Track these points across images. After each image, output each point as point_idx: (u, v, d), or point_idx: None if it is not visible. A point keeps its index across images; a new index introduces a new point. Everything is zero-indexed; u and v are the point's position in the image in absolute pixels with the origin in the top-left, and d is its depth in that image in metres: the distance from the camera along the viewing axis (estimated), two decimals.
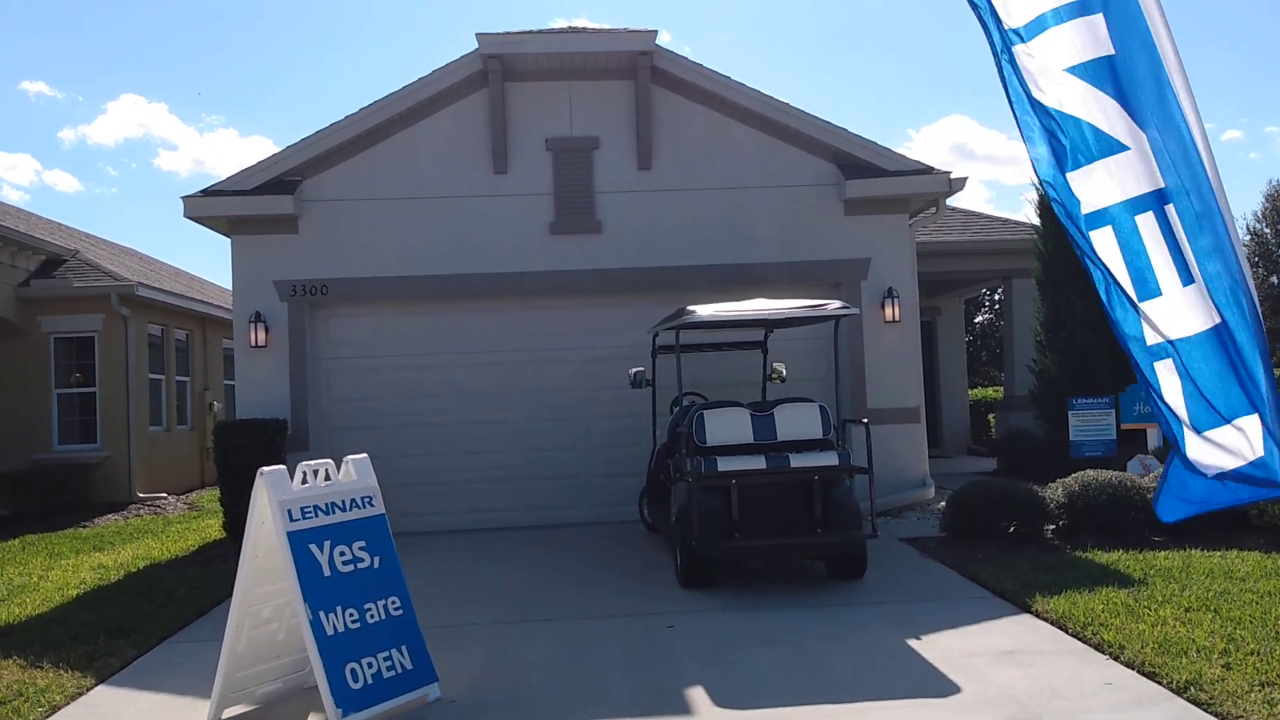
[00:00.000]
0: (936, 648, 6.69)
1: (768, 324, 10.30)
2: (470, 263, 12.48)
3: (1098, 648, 6.46)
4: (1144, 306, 6.36)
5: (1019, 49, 6.66)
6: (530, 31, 12.27)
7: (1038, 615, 7.35)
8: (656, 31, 12.09)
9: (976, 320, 38.07)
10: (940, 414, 21.00)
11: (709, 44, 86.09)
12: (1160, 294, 6.31)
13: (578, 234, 12.59)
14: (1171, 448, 6.57)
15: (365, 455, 6.40)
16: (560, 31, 12.29)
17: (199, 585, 9.58)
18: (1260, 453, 6.03)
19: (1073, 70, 6.49)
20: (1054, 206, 6.61)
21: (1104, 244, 6.49)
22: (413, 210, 12.53)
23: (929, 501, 12.69)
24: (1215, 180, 6.23)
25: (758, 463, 8.49)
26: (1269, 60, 71.47)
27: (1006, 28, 6.67)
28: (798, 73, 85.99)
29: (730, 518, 8.46)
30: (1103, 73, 6.43)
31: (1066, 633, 6.88)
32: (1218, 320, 6.12)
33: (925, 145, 77.45)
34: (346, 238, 12.47)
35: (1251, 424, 6.02)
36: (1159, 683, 5.73)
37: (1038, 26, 6.59)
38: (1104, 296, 6.60)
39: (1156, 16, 6.33)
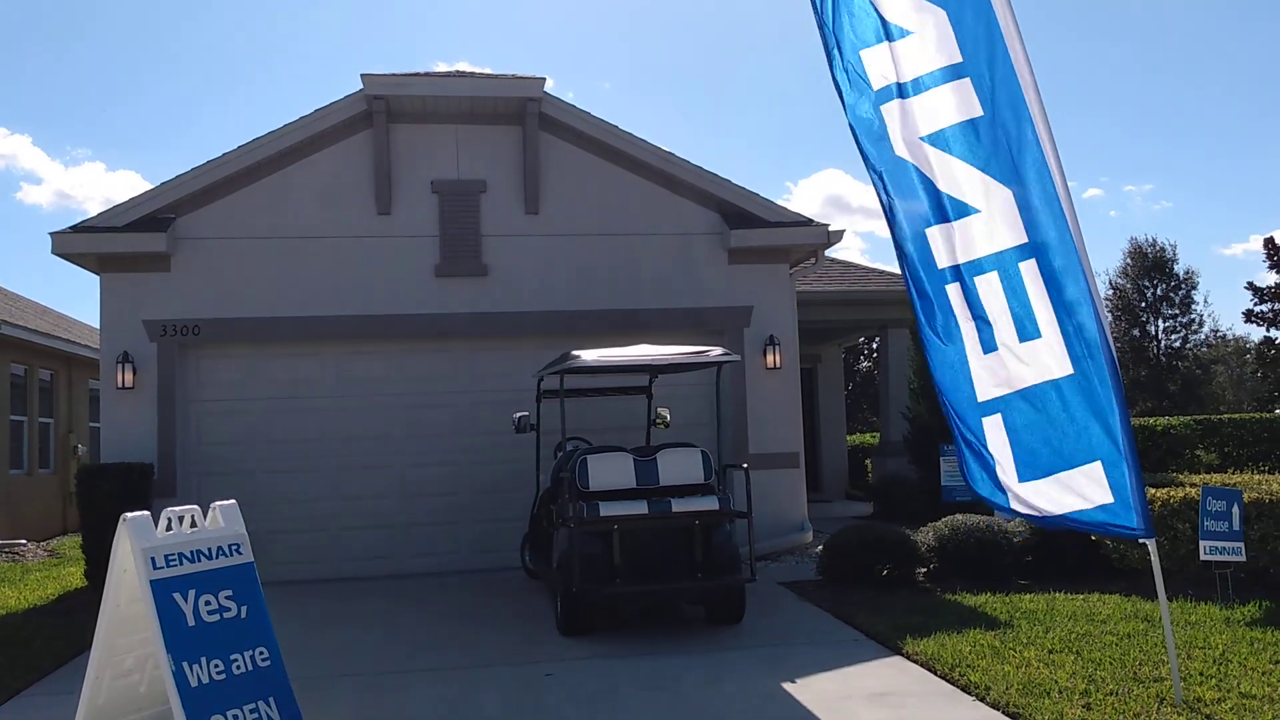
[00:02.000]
0: (811, 691, 6.77)
1: (651, 369, 10.39)
2: (352, 304, 12.31)
3: (965, 689, 6.63)
4: (987, 359, 6.67)
5: (884, 109, 6.93)
6: (416, 74, 12.27)
7: (908, 657, 7.52)
8: (544, 79, 12.21)
9: (858, 368, 39.03)
10: (820, 459, 21.41)
11: (592, 90, 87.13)
12: (996, 349, 6.62)
13: (463, 277, 12.53)
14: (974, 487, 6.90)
15: (233, 501, 6.22)
16: (447, 75, 12.31)
17: (57, 635, 9.14)
18: (1109, 499, 6.33)
19: (929, 138, 6.79)
20: (906, 261, 6.89)
21: (955, 299, 6.78)
22: (293, 250, 12.31)
23: (808, 545, 12.89)
24: (1077, 235, 6.56)
25: (640, 507, 8.51)
26: (1128, 122, 75.55)
27: (874, 89, 6.94)
28: (681, 122, 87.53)
29: (612, 563, 8.46)
30: (963, 136, 6.73)
31: (935, 674, 7.04)
32: (1069, 371, 6.42)
33: (803, 197, 79.46)
34: (222, 277, 12.18)
35: (1095, 471, 6.31)
36: None
37: (898, 91, 6.88)
38: (931, 353, 6.90)
39: (1026, 74, 6.66)
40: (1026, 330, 6.42)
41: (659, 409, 11.47)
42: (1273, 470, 21.12)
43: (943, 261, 6.63)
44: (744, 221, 12.94)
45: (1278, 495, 9.62)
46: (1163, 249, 38.02)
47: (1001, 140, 6.51)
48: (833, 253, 16.69)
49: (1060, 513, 6.43)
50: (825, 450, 21.64)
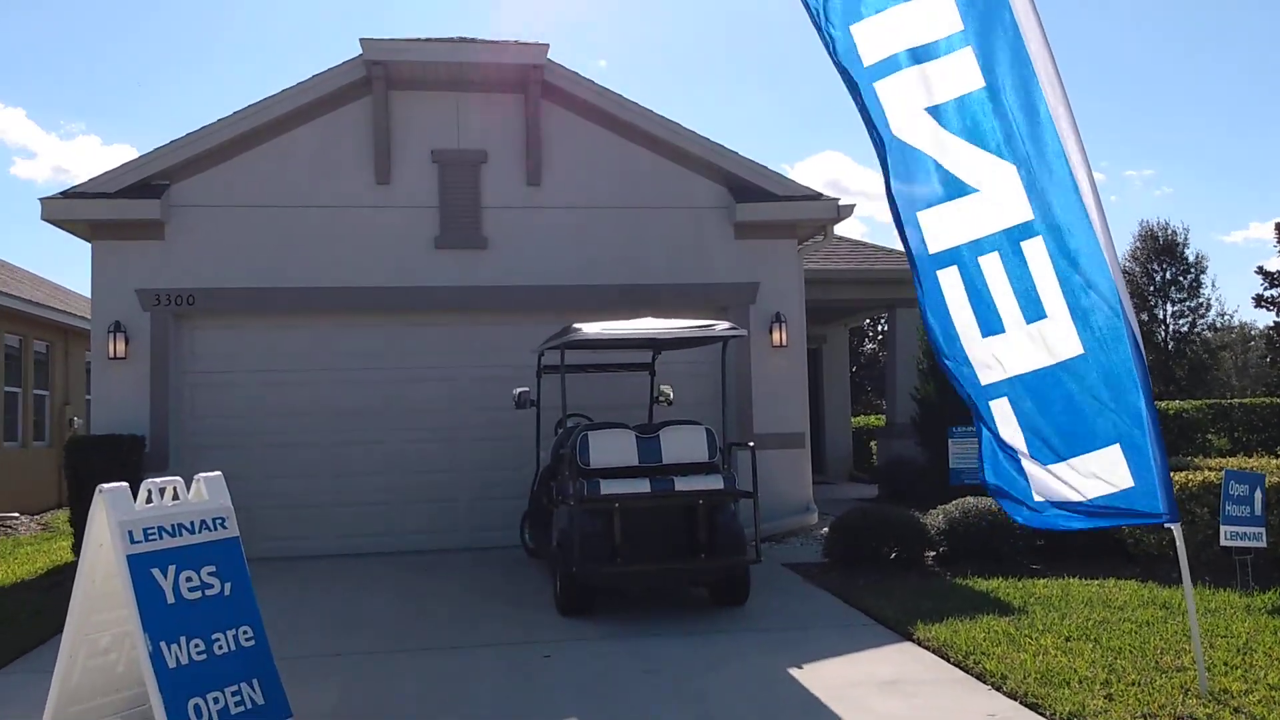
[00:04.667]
0: (819, 677, 6.51)
1: (655, 344, 10.10)
2: (349, 276, 12.01)
3: (980, 677, 6.36)
4: (986, 343, 6.39)
5: (879, 85, 6.62)
6: (416, 39, 11.91)
7: (920, 643, 7.25)
8: (546, 45, 11.86)
9: (862, 350, 38.71)
10: (824, 440, 21.14)
11: (587, 68, 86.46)
12: (1003, 331, 6.33)
13: (463, 249, 12.23)
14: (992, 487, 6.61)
15: (219, 473, 5.95)
16: (448, 40, 11.95)
17: (43, 611, 8.88)
18: (1130, 482, 6.03)
19: (932, 110, 6.47)
20: (906, 242, 6.62)
21: (949, 283, 6.50)
22: (289, 219, 12.01)
23: (813, 527, 12.63)
24: (1095, 210, 6.23)
25: (642, 486, 8.25)
26: (1128, 107, 74.94)
27: (865, 65, 6.64)
28: (678, 102, 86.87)
29: (613, 542, 8.20)
30: (963, 111, 6.41)
31: (949, 661, 6.77)
32: (1078, 351, 6.12)
33: (801, 179, 79.02)
34: (217, 246, 11.88)
35: (1114, 454, 6.02)
36: (1042, 714, 5.63)
37: (893, 65, 6.58)
38: (935, 338, 6.63)
39: (1037, 46, 6.32)
40: (1030, 312, 6.15)
41: (662, 386, 11.19)
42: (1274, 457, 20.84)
43: (941, 243, 6.38)
44: (751, 195, 12.62)
45: None
46: (1174, 232, 37.55)
47: (1005, 114, 6.21)
48: (841, 231, 16.38)
49: (1083, 499, 6.15)
50: (830, 432, 21.37)
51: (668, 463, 8.58)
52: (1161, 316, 37.51)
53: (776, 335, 12.58)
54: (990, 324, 6.37)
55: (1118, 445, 6.06)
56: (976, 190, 6.37)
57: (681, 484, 8.29)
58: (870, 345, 39.61)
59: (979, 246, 6.36)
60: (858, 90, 6.56)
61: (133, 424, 11.56)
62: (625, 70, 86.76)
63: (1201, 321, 37.83)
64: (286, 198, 12.04)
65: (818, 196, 12.69)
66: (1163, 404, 17.94)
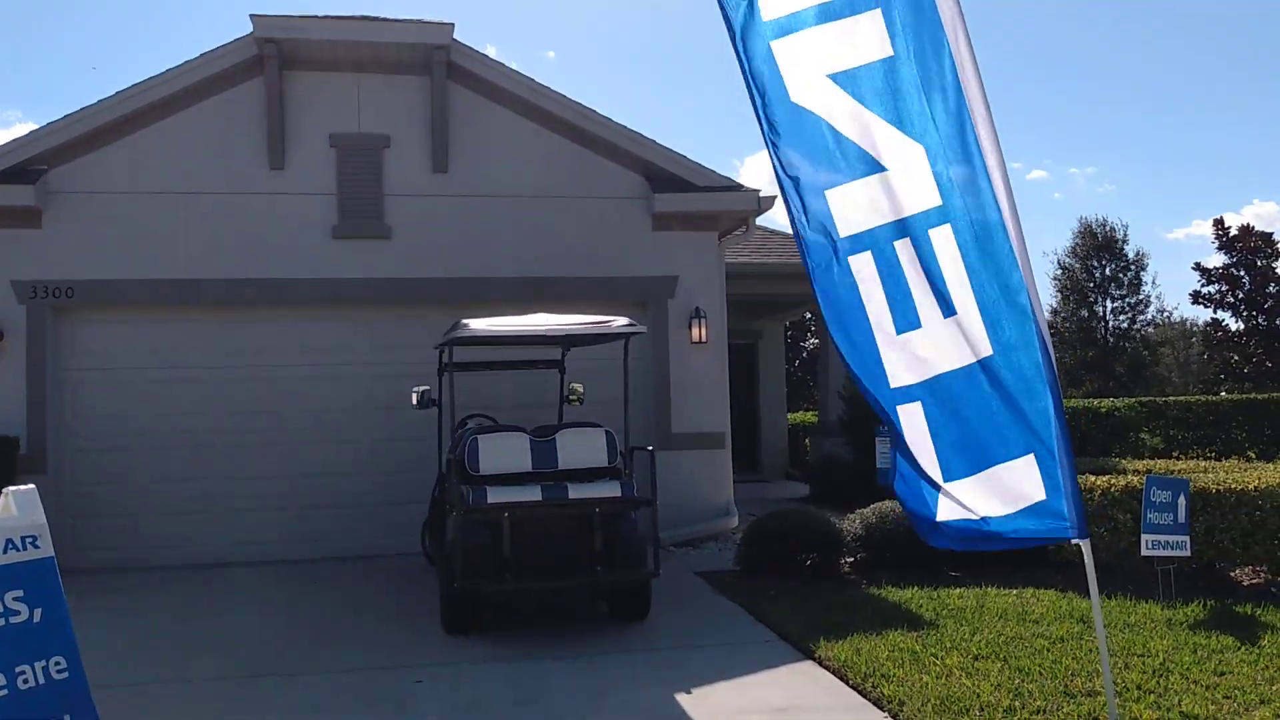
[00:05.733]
0: (706, 705, 6.00)
1: (549, 341, 9.47)
2: (241, 267, 11.31)
3: (877, 703, 5.89)
4: (902, 340, 5.81)
5: (777, 45, 6.02)
6: (313, 16, 11.23)
7: (820, 663, 6.77)
8: (452, 25, 11.24)
9: (804, 345, 38.41)
10: (760, 438, 20.69)
11: (535, 59, 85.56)
12: (920, 326, 5.76)
13: (364, 239, 11.58)
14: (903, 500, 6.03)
15: (32, 487, 5.25)
16: (346, 18, 11.28)
17: None
18: (1041, 495, 5.56)
19: (836, 77, 5.88)
20: (799, 227, 5.96)
21: (863, 272, 5.91)
22: (177, 206, 11.28)
23: (733, 530, 12.15)
24: (1006, 201, 5.71)
25: (533, 493, 7.69)
26: (1072, 103, 75.54)
27: (764, 19, 6.02)
28: (628, 95, 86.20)
29: (501, 555, 7.63)
30: (872, 80, 5.83)
31: (847, 684, 6.30)
32: (987, 353, 5.59)
33: (751, 173, 78.83)
34: (99, 235, 11.13)
35: (1026, 465, 5.53)
36: None
37: (797, 23, 5.97)
38: (837, 335, 6.01)
39: (952, 12, 5.78)
40: (943, 307, 5.57)
41: (573, 384, 10.63)
42: (1218, 455, 20.74)
43: (848, 228, 5.73)
44: (670, 185, 12.09)
45: (1225, 485, 9.00)
46: (1112, 229, 37.69)
47: (916, 86, 5.60)
48: (776, 224, 15.92)
49: (992, 515, 5.64)
50: (765, 429, 20.91)
51: (564, 468, 8.04)
52: (1101, 313, 37.60)
53: (696, 331, 12.08)
54: (907, 319, 5.80)
55: (1031, 455, 5.57)
56: (886, 169, 5.79)
57: (576, 491, 7.75)
58: (814, 340, 39.34)
59: (892, 231, 5.75)
60: (745, 46, 5.89)
61: (8, 425, 10.80)
62: (575, 62, 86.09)
63: (1141, 318, 38.01)
64: (175, 184, 11.32)
65: (738, 187, 12.20)
66: (1095, 402, 17.72)
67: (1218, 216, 34.28)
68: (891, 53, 5.65)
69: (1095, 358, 37.64)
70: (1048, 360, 5.46)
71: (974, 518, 5.64)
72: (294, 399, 11.57)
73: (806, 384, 37.55)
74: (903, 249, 5.66)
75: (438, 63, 11.46)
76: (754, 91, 5.79)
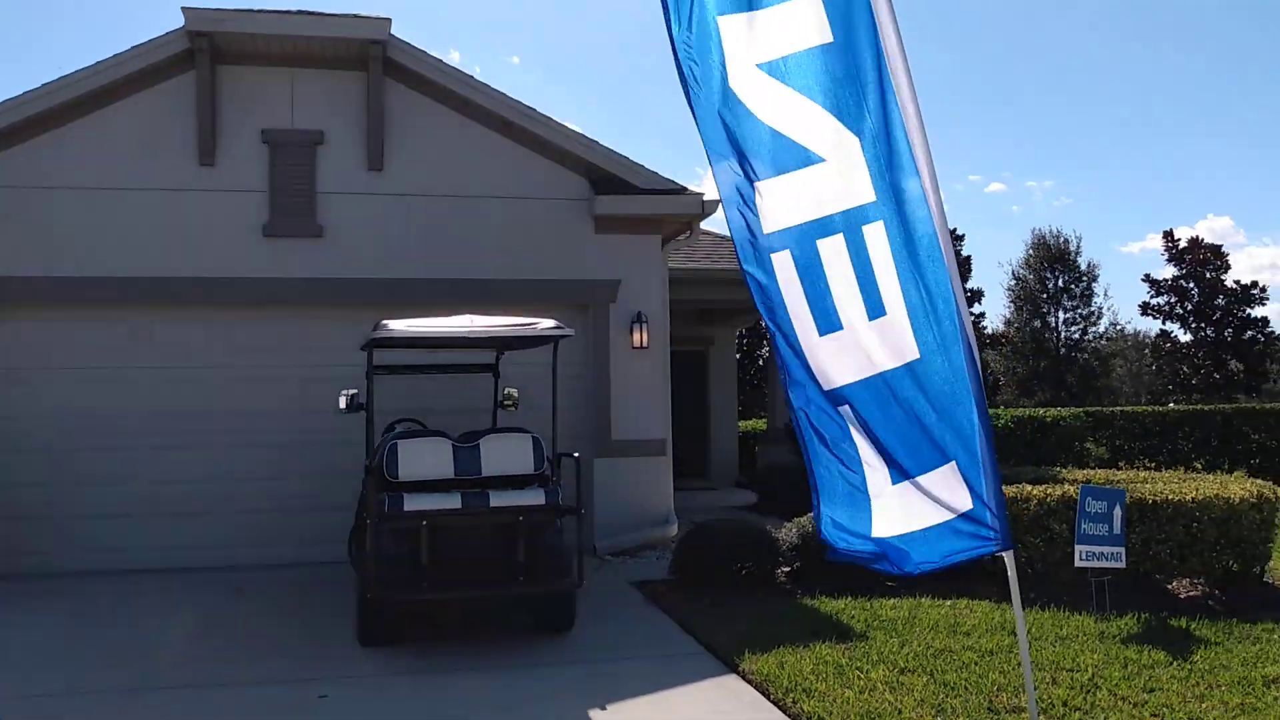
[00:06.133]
0: None
1: (470, 343, 9.16)
2: (169, 265, 10.97)
3: (796, 719, 5.70)
4: (824, 342, 5.60)
5: (724, 21, 5.79)
6: (246, 10, 10.92)
7: (744, 677, 6.59)
8: (389, 19, 10.98)
9: (759, 352, 38.34)
10: (710, 445, 20.50)
11: (499, 64, 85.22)
12: (841, 328, 5.56)
13: (296, 238, 11.27)
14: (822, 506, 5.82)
15: None
16: (280, 12, 10.96)
17: None
18: (968, 504, 5.39)
19: (765, 67, 5.67)
20: (731, 224, 5.74)
21: (784, 270, 5.71)
22: (103, 203, 10.92)
23: (673, 539, 11.91)
24: (934, 200, 5.54)
25: (453, 501, 7.44)
26: (1029, 118, 76.30)
27: (704, 2, 5.80)
28: (594, 104, 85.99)
29: (418, 564, 7.37)
30: (809, 68, 5.61)
31: (769, 699, 6.12)
32: (914, 356, 5.42)
33: (714, 184, 78.74)
34: (18, 230, 10.75)
35: (950, 474, 5.36)
36: None
37: (733, 5, 5.75)
38: (774, 333, 5.79)
39: (883, 6, 5.59)
40: (873, 307, 5.37)
41: (508, 389, 10.38)
42: (1161, 465, 20.83)
43: (776, 222, 5.51)
44: (613, 188, 11.89)
45: (1162, 496, 8.93)
46: (1066, 241, 37.99)
47: (852, 75, 5.40)
48: (727, 231, 15.73)
49: (915, 529, 5.46)
50: (715, 436, 20.72)
51: (488, 475, 7.80)
52: (1054, 324, 37.85)
53: (637, 336, 11.88)
54: (829, 320, 5.59)
55: (954, 463, 5.39)
56: (823, 160, 5.56)
57: (498, 499, 7.52)
58: (768, 348, 39.28)
59: (821, 227, 5.52)
60: (678, 28, 5.66)
61: None
62: (540, 69, 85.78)
63: (1093, 329, 38.29)
64: (101, 180, 10.96)
65: (681, 190, 12.02)
66: (1041, 411, 17.72)
67: (1168, 229, 34.58)
68: (830, 39, 5.44)
69: (1047, 368, 37.87)
70: (973, 366, 5.29)
71: (908, 529, 5.47)
72: (222, 401, 11.24)
73: (762, 392, 37.47)
74: (829, 247, 5.45)
75: (374, 58, 11.20)
76: (685, 76, 5.58)
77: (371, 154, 11.43)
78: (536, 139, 11.81)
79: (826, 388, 5.51)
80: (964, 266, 36.23)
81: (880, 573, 5.63)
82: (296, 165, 11.28)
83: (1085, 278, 37.44)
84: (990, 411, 20.74)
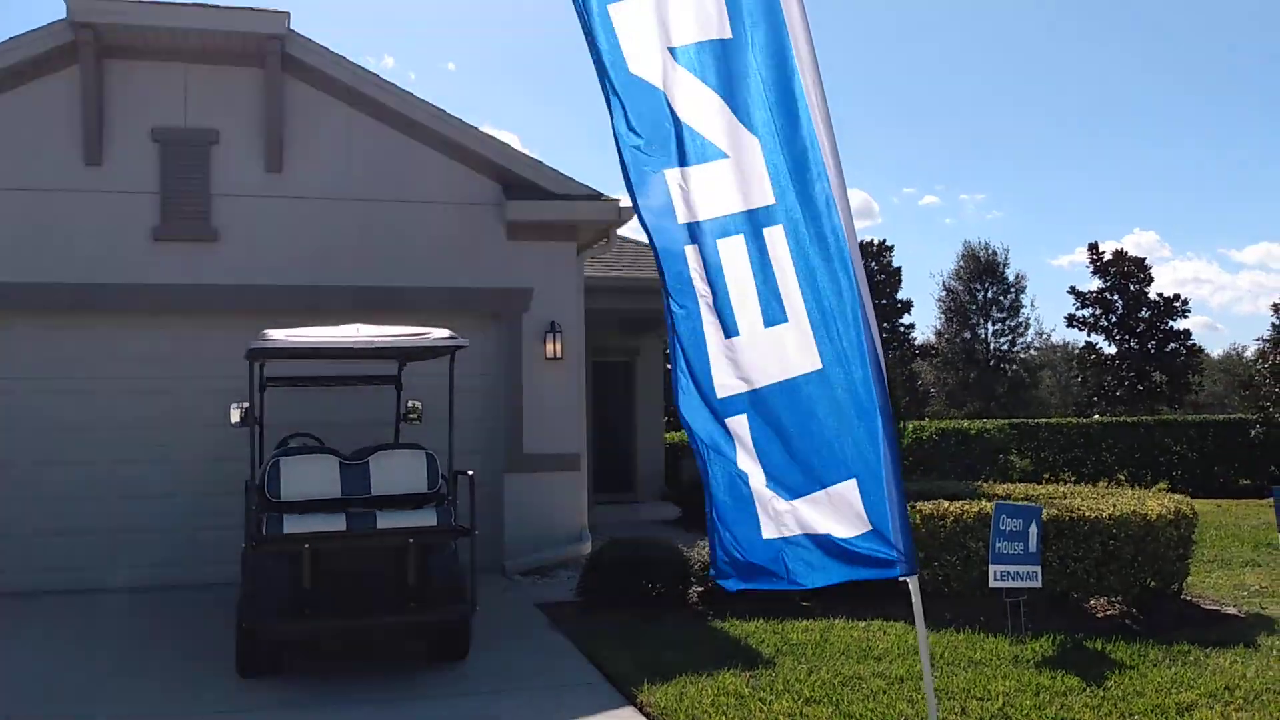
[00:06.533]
0: None
1: (355, 355, 8.45)
2: (51, 270, 10.34)
3: None
4: (727, 344, 5.25)
5: (614, 8, 5.45)
6: (134, 1, 10.35)
7: (641, 709, 6.22)
8: (287, 13, 10.47)
9: None
10: (635, 459, 20.15)
11: (435, 71, 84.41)
12: (738, 334, 5.22)
13: (189, 241, 10.70)
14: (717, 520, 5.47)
15: None
16: (170, 3, 10.40)
17: None
18: (866, 526, 5.06)
19: (676, 51, 5.34)
20: (639, 210, 5.38)
21: (694, 266, 5.36)
22: None
23: (585, 557, 11.52)
24: (842, 204, 5.21)
25: (337, 523, 6.97)
26: (962, 132, 77.30)
27: None
28: (532, 113, 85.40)
29: (300, 590, 6.90)
30: (710, 60, 5.31)
31: None
32: (816, 366, 5.09)
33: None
34: None
35: (850, 491, 5.03)
36: None
37: None
38: (675, 340, 5.43)
39: (794, 7, 5.26)
40: (770, 313, 5.03)
41: (411, 402, 9.91)
42: (1086, 477, 20.88)
43: (682, 216, 5.16)
44: (527, 193, 11.48)
45: (1079, 512, 8.73)
46: (995, 253, 38.31)
47: (752, 74, 5.08)
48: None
49: (810, 545, 5.11)
50: (641, 449, 20.36)
51: (377, 494, 7.35)
52: (984, 335, 38.11)
53: (551, 346, 11.47)
54: (727, 324, 5.24)
55: (854, 480, 5.06)
56: (726, 156, 5.23)
57: (386, 520, 7.05)
58: None
59: (721, 226, 5.18)
60: (589, 15, 5.31)
61: None
62: (476, 75, 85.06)
63: (1021, 340, 38.65)
64: None
65: (597, 196, 11.64)
66: (966, 423, 17.62)
67: (1092, 242, 34.98)
68: (730, 35, 5.13)
69: (977, 379, 38.13)
70: (879, 380, 4.95)
71: (800, 542, 5.13)
72: (109, 415, 10.61)
73: None
74: (730, 247, 5.13)
75: (272, 54, 10.68)
76: (596, 67, 5.22)
77: (270, 154, 10.90)
78: (446, 141, 11.37)
79: (719, 397, 5.17)
80: (894, 277, 36.45)
81: (777, 591, 5.28)
82: (190, 165, 10.72)
83: (1013, 289, 37.83)
84: (916, 423, 20.67)
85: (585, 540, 11.64)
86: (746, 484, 5.23)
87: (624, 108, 5.27)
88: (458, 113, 11.32)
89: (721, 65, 5.13)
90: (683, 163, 5.19)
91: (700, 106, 5.14)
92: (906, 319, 37.14)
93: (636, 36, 5.23)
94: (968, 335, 39.35)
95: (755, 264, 5.11)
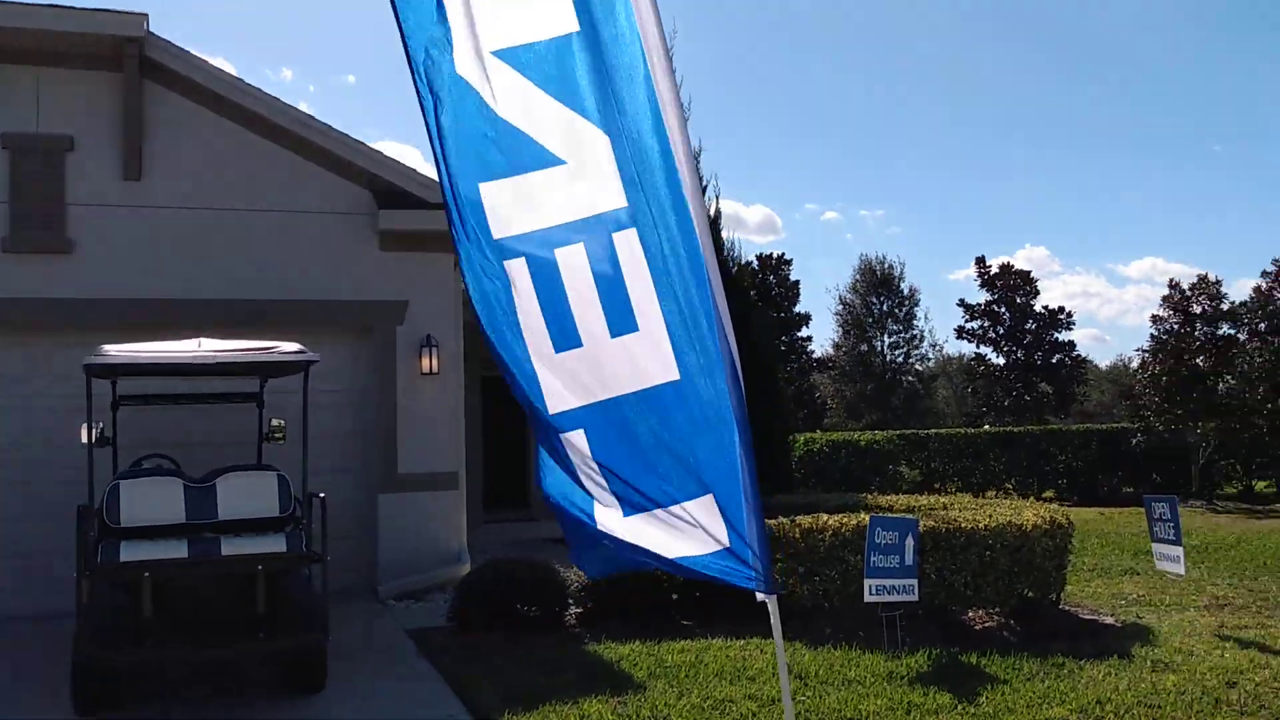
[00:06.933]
0: None
1: (197, 371, 7.87)
2: None
3: None
4: (560, 359, 5.02)
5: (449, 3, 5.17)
6: None
7: None
8: (146, 15, 9.99)
9: None
10: (529, 475, 19.80)
11: (334, 84, 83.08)
12: (580, 345, 4.99)
13: (41, 253, 10.11)
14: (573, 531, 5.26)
15: None
16: (22, 3, 9.84)
17: None
18: (725, 541, 4.86)
19: (502, 54, 5.06)
20: (453, 227, 5.11)
21: (520, 282, 5.12)
22: None
23: (462, 579, 11.19)
24: (697, 209, 5.00)
25: (178, 550, 6.57)
26: (861, 149, 78.70)
27: None
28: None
29: (140, 620, 6.48)
30: (552, 57, 5.07)
31: None
32: (673, 377, 4.88)
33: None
34: None
35: (708, 506, 4.83)
36: None
37: None
38: (496, 350, 5.18)
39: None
40: (621, 321, 4.79)
41: (274, 420, 9.47)
42: (975, 487, 21.19)
43: (507, 228, 4.90)
44: (401, 202, 11.12)
45: (955, 524, 8.71)
46: (890, 266, 38.94)
47: (602, 69, 4.84)
48: None
49: (671, 557, 4.90)
50: (534, 466, 20.04)
51: (225, 518, 6.96)
52: (879, 347, 38.64)
53: (427, 361, 11.12)
54: (566, 336, 4.97)
55: (711, 495, 4.85)
56: (564, 162, 4.96)
57: (231, 547, 6.68)
58: None
59: (559, 235, 4.91)
60: (403, 19, 5.01)
61: None
62: (378, 88, 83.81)
63: (916, 352, 39.28)
64: None
65: None
66: (855, 435, 17.71)
67: (980, 255, 35.77)
68: (577, 28, 4.88)
69: (874, 391, 38.63)
70: (736, 389, 4.76)
71: (673, 555, 4.93)
72: None
73: None
74: (568, 256, 4.85)
75: (130, 57, 10.17)
76: (412, 72, 4.94)
77: (128, 162, 10.37)
78: (315, 148, 10.97)
79: (553, 411, 4.91)
80: (792, 291, 36.75)
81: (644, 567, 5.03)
82: (42, 173, 10.14)
83: (908, 302, 38.47)
84: (807, 435, 20.69)
85: (464, 561, 11.30)
86: (588, 504, 5.00)
87: (444, 111, 4.98)
88: (355, 126, 10.89)
89: (563, 63, 4.89)
90: (519, 170, 4.92)
91: (533, 108, 4.88)
92: (804, 332, 37.49)
93: (460, 34, 4.96)
94: (864, 348, 39.88)
95: (597, 271, 4.85)
